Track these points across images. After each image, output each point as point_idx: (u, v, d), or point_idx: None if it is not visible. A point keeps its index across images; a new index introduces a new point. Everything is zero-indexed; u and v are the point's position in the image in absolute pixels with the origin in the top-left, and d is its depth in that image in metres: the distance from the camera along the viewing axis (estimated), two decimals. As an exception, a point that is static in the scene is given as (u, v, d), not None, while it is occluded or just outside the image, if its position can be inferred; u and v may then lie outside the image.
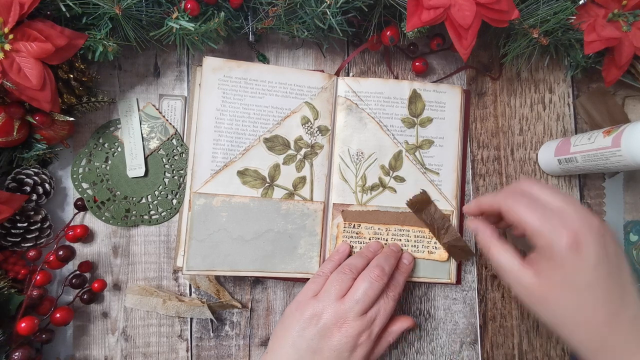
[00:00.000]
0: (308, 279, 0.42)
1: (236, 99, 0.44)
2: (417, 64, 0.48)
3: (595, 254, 0.30)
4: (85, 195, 0.44)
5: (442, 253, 0.45)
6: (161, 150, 0.45)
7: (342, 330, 0.37)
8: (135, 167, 0.45)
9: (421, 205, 0.45)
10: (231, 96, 0.44)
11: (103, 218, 0.44)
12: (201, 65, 0.44)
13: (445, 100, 0.47)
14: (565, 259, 0.30)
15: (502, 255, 0.34)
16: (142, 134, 0.45)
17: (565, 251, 0.30)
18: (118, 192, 0.45)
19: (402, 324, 0.41)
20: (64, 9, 0.37)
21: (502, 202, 0.34)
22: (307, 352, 0.36)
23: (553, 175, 0.49)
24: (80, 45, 0.38)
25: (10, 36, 0.35)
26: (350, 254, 0.44)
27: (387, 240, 0.45)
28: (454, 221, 0.46)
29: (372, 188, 0.46)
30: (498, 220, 0.39)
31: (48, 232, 0.43)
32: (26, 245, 0.41)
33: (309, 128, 0.45)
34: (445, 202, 0.46)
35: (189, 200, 0.43)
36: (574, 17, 0.43)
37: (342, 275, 0.39)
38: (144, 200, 0.45)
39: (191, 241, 0.42)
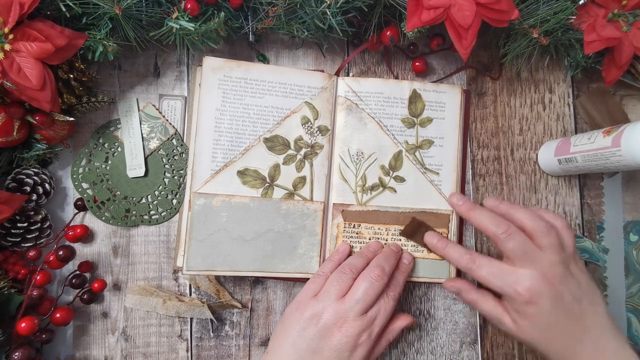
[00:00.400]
0: (308, 279, 0.42)
1: (236, 99, 0.44)
2: (417, 64, 0.48)
3: (549, 302, 0.35)
4: (85, 195, 0.44)
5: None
6: (161, 150, 0.45)
7: (343, 330, 0.37)
8: (135, 167, 0.45)
9: (415, 230, 0.45)
10: (231, 96, 0.44)
11: (103, 218, 0.44)
12: (201, 65, 0.44)
13: (445, 100, 0.47)
14: (525, 310, 0.36)
15: (485, 305, 0.40)
16: (142, 134, 0.45)
17: (524, 305, 0.36)
18: (118, 192, 0.45)
19: (401, 322, 0.41)
20: (64, 9, 0.37)
21: (469, 271, 0.39)
22: (307, 352, 0.36)
23: (553, 175, 0.49)
24: (80, 45, 0.38)
25: (10, 36, 0.35)
26: (350, 254, 0.44)
27: (387, 240, 0.45)
28: (454, 221, 0.46)
29: (372, 188, 0.46)
30: None
31: (48, 232, 0.43)
32: (26, 245, 0.41)
33: (309, 128, 0.45)
34: (444, 202, 0.46)
35: (189, 200, 0.43)
36: (574, 17, 0.43)
37: (342, 275, 0.39)
38: (144, 200, 0.45)
39: (191, 241, 0.42)
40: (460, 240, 0.47)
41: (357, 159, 0.45)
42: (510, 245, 0.37)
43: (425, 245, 0.45)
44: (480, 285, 0.40)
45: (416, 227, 0.45)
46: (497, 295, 0.39)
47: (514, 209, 0.39)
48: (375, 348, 0.39)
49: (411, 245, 0.45)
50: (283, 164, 0.44)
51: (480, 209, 0.40)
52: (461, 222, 0.47)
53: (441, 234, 0.45)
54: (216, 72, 0.43)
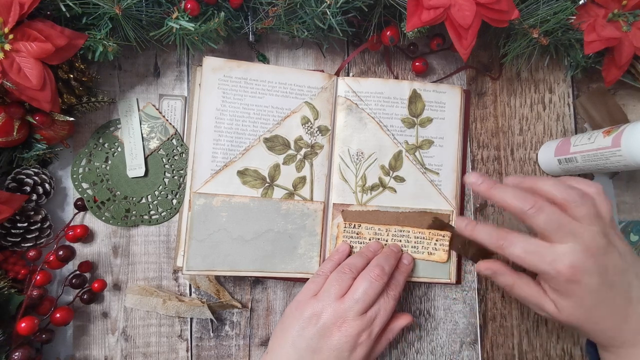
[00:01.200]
0: (308, 279, 0.42)
1: (236, 99, 0.44)
2: (417, 64, 0.48)
3: (595, 278, 0.33)
4: (85, 195, 0.44)
5: (441, 255, 0.45)
6: (161, 150, 0.45)
7: (342, 329, 0.37)
8: (135, 167, 0.45)
9: (441, 228, 0.45)
10: (231, 96, 0.44)
11: (103, 218, 0.44)
12: (201, 65, 0.44)
13: (445, 100, 0.47)
14: (568, 289, 0.33)
15: (524, 289, 0.37)
16: (142, 134, 0.45)
17: (566, 284, 0.33)
18: (118, 192, 0.45)
19: (402, 321, 0.41)
20: (64, 9, 0.37)
21: (501, 250, 0.36)
22: (307, 352, 0.36)
23: (553, 176, 0.49)
24: (80, 45, 0.38)
25: (10, 36, 0.35)
26: (350, 254, 0.44)
27: (387, 240, 0.45)
28: (453, 221, 0.46)
29: (372, 188, 0.46)
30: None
31: (48, 232, 0.43)
32: (26, 245, 0.41)
33: (309, 128, 0.45)
34: (444, 202, 0.46)
35: (189, 200, 0.43)
36: (574, 17, 0.43)
37: (342, 274, 0.39)
38: (144, 200, 0.45)
39: (191, 241, 0.42)
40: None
41: (357, 159, 0.45)
42: (541, 219, 0.33)
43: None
44: (515, 267, 0.38)
45: (439, 226, 0.45)
46: (533, 277, 0.37)
47: (540, 181, 0.36)
48: (376, 348, 0.39)
49: (411, 247, 0.45)
50: (283, 164, 0.44)
51: (503, 185, 0.37)
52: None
53: (443, 236, 0.45)
54: (216, 72, 0.43)
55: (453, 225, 0.45)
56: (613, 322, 0.34)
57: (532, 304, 0.37)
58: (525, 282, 0.37)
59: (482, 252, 0.45)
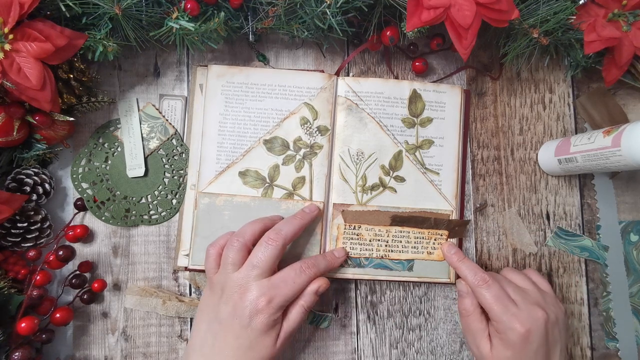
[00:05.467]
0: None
1: (238, 103, 0.44)
2: (417, 64, 0.48)
3: (538, 343, 0.38)
4: (85, 195, 0.44)
5: (440, 254, 0.45)
6: (161, 150, 0.45)
7: (243, 296, 0.37)
8: (135, 167, 0.45)
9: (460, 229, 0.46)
10: (233, 101, 0.44)
11: (103, 218, 0.44)
12: (201, 65, 0.44)
13: (445, 100, 0.47)
14: (515, 343, 0.38)
15: (475, 323, 0.41)
16: (142, 134, 0.45)
17: (517, 339, 0.38)
18: (118, 192, 0.45)
19: (315, 285, 0.40)
20: (64, 9, 0.37)
21: (477, 288, 0.41)
22: (215, 323, 0.37)
23: (553, 175, 0.49)
24: (80, 45, 0.38)
25: (10, 36, 0.35)
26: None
27: (387, 241, 0.45)
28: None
29: (372, 188, 0.46)
30: None
31: (48, 232, 0.43)
32: (26, 245, 0.41)
33: (308, 128, 0.45)
34: (444, 202, 0.46)
35: (195, 199, 0.43)
36: (574, 17, 0.43)
37: (231, 247, 0.39)
38: (143, 200, 0.45)
39: (196, 238, 0.43)
40: (460, 242, 0.47)
41: (358, 159, 0.45)
42: (487, 294, 0.40)
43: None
44: None
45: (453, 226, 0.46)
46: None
47: (508, 273, 0.44)
48: (289, 317, 0.38)
49: (411, 247, 0.45)
50: (282, 164, 0.44)
51: (468, 260, 0.43)
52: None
53: (441, 235, 0.45)
54: (219, 78, 0.44)
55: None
56: None
57: (472, 338, 0.41)
58: (480, 317, 0.41)
59: None
